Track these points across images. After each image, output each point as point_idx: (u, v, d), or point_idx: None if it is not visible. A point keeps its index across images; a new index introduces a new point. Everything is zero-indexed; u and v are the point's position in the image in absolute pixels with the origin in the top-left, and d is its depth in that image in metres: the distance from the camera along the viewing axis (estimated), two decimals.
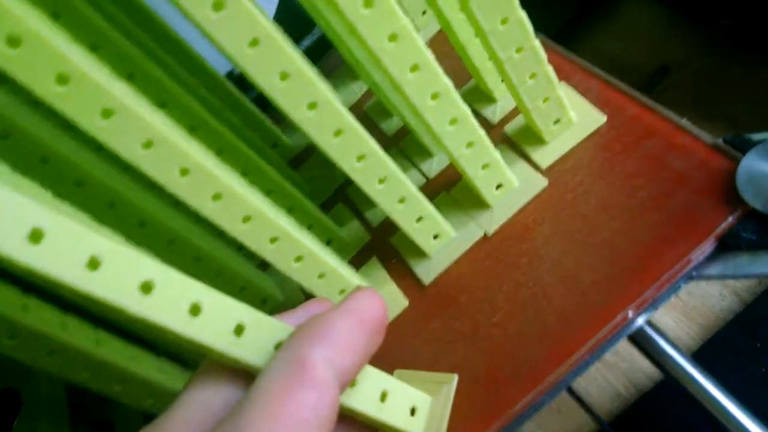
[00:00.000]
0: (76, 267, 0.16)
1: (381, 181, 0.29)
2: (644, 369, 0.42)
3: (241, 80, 0.40)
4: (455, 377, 0.28)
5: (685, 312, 0.42)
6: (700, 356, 0.41)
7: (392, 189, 0.29)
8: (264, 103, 0.31)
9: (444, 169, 0.37)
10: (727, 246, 0.27)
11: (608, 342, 0.28)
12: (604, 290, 0.28)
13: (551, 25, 0.60)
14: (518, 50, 0.28)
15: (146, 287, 0.17)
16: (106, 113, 0.21)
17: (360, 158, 0.28)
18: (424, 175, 0.38)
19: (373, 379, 0.23)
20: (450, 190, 0.35)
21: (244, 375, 0.20)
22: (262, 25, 0.22)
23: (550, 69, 0.30)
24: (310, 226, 0.34)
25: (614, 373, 0.43)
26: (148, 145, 0.23)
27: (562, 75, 0.35)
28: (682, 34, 0.57)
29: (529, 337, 0.28)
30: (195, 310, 0.18)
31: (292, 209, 0.33)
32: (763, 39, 0.51)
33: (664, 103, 0.57)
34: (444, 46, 0.37)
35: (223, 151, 0.30)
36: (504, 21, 0.27)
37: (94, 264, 0.16)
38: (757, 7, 0.50)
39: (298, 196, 0.34)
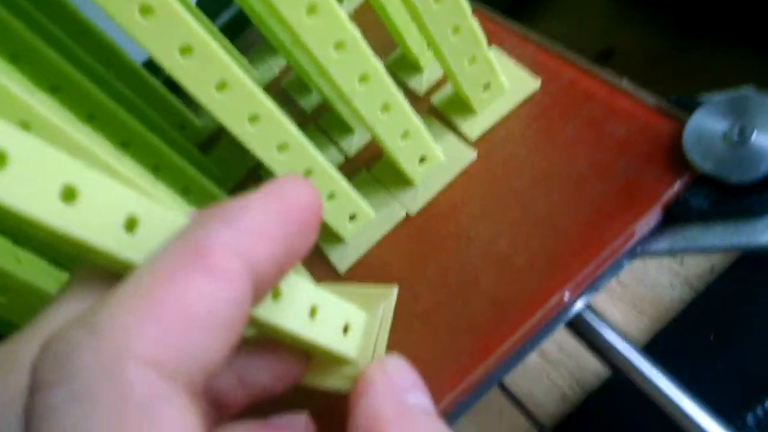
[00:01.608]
0: None
1: (280, 149, 0.25)
2: (591, 367, 0.39)
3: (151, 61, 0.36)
4: (395, 289, 0.23)
5: (633, 303, 0.39)
6: (651, 350, 0.38)
7: (292, 160, 0.25)
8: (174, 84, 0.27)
9: (365, 146, 0.33)
10: (674, 216, 0.24)
11: (543, 330, 0.24)
12: (539, 271, 0.24)
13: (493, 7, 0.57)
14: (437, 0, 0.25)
15: (69, 194, 0.13)
16: None
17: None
18: (343, 153, 0.33)
19: (301, 290, 0.18)
20: (371, 168, 0.31)
21: None
22: None
23: (475, 23, 0.26)
24: None
25: (560, 372, 0.39)
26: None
27: (494, 40, 0.31)
28: (628, 17, 0.55)
29: (456, 328, 0.25)
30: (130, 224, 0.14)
31: (187, 190, 0.29)
32: (711, 22, 0.49)
33: None
34: (368, 15, 0.34)
35: (129, 145, 0.25)
36: None
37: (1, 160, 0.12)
38: None
39: (200, 179, 0.29)
